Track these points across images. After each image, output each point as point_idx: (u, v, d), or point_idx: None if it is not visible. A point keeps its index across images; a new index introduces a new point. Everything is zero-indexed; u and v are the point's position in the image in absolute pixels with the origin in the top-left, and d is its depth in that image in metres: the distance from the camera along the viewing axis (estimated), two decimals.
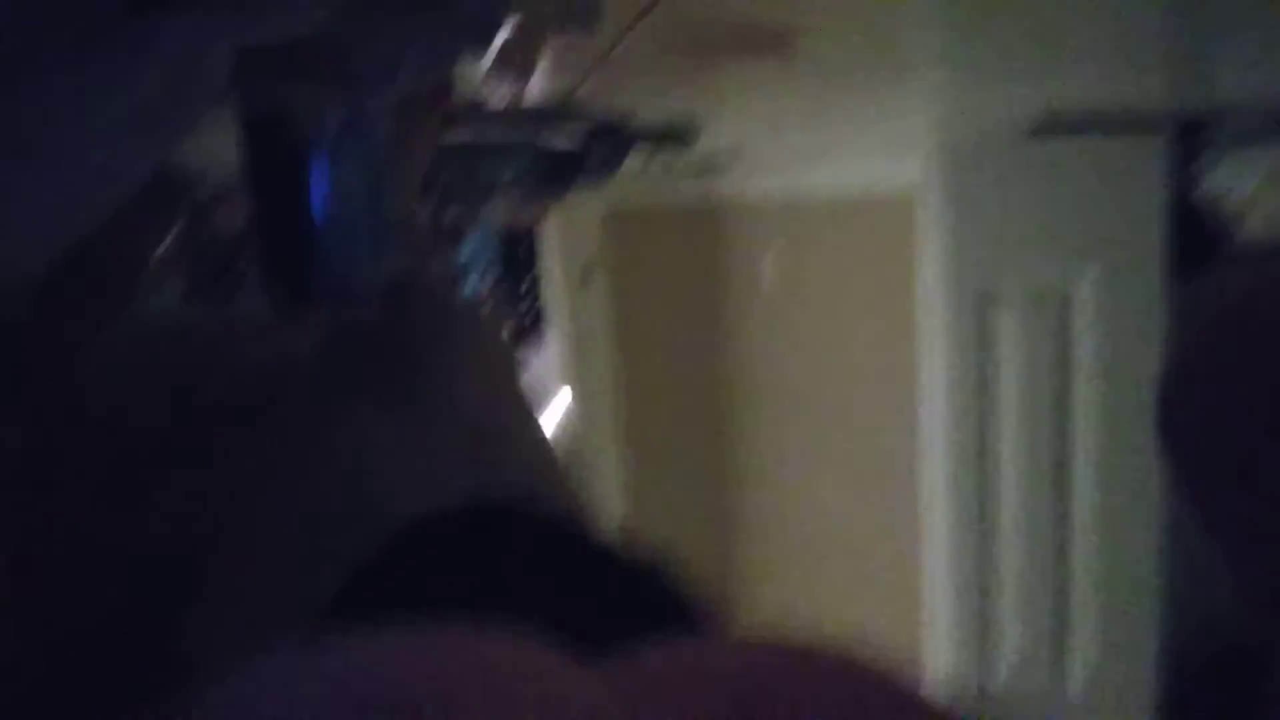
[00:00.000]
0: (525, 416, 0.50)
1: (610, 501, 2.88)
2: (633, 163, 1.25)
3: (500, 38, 0.45)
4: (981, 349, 1.58)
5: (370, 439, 0.43)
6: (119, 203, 0.27)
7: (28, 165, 0.23)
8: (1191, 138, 1.44)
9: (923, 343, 1.69)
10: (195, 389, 0.50)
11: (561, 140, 0.98)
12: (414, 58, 0.39)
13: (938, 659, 1.72)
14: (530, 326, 2.77)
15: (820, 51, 0.51)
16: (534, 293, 3.49)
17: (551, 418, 2.53)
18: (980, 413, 1.60)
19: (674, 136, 1.15)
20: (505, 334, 0.66)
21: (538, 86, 0.70)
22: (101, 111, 0.23)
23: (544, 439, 0.50)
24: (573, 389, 2.97)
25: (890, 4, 0.59)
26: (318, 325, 0.56)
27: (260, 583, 0.39)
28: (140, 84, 0.23)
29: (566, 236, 3.06)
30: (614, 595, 0.36)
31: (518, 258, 3.42)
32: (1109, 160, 1.46)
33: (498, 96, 0.75)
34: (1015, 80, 0.95)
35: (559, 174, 1.12)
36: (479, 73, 0.59)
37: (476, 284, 3.41)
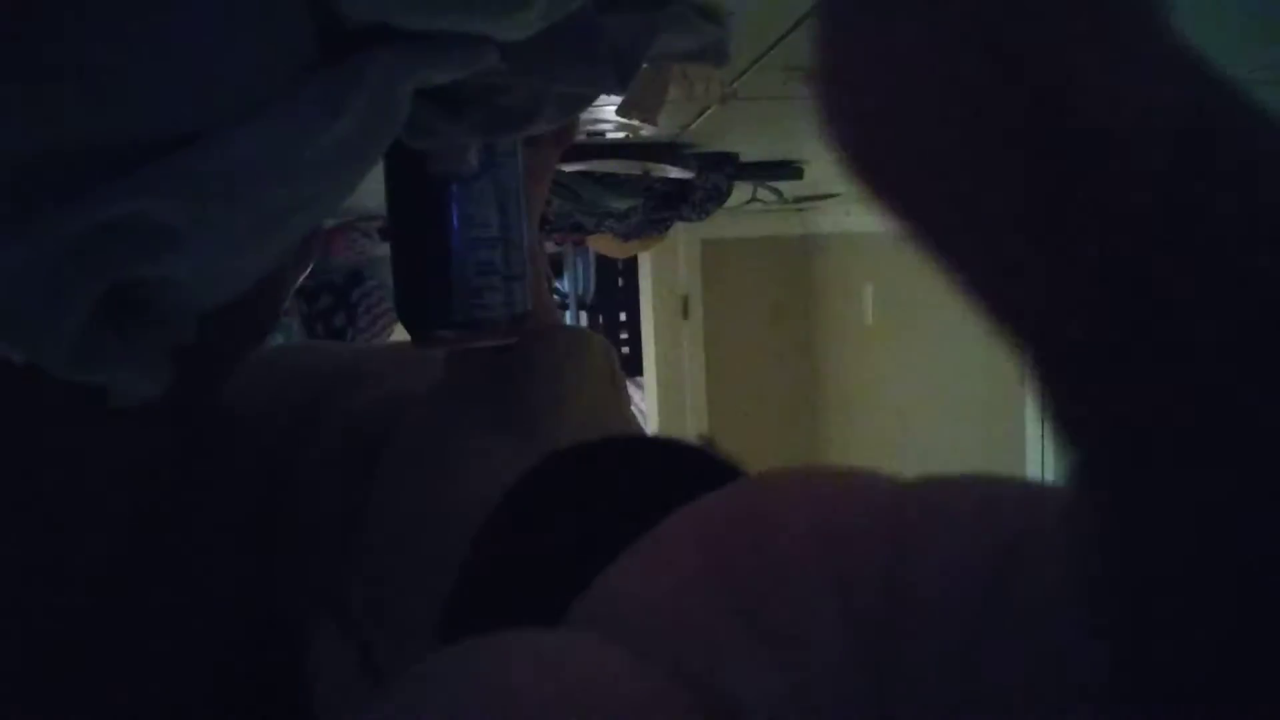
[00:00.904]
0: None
1: None
2: (739, 195, 1.26)
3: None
4: None
5: (489, 462, 0.44)
6: (313, 233, 0.29)
7: (247, 196, 0.25)
8: None
9: (1029, 413, 1.65)
10: (320, 415, 0.52)
11: (672, 173, 1.01)
12: (556, 99, 0.41)
13: None
14: (625, 361, 2.79)
15: None
16: (630, 325, 3.52)
17: None
18: None
19: (780, 172, 1.16)
20: (616, 363, 0.67)
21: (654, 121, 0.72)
22: (312, 145, 0.25)
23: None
24: (662, 428, 2.98)
25: None
26: (440, 355, 0.58)
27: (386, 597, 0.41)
28: (346, 117, 0.25)
29: (664, 269, 3.09)
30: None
31: (615, 290, 3.47)
32: None
33: (614, 130, 0.78)
34: None
35: (668, 206, 1.15)
36: (609, 110, 0.61)
37: (573, 316, 3.46)
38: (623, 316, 3.54)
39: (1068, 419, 0.18)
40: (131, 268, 0.25)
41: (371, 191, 0.54)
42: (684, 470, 0.46)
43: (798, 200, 2.39)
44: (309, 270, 0.65)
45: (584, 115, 0.69)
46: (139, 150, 0.23)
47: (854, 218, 2.69)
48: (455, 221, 0.48)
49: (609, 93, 0.42)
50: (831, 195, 2.23)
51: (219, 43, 0.23)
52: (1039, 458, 1.62)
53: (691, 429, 3.08)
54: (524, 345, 0.51)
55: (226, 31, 0.23)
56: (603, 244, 1.54)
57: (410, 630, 0.39)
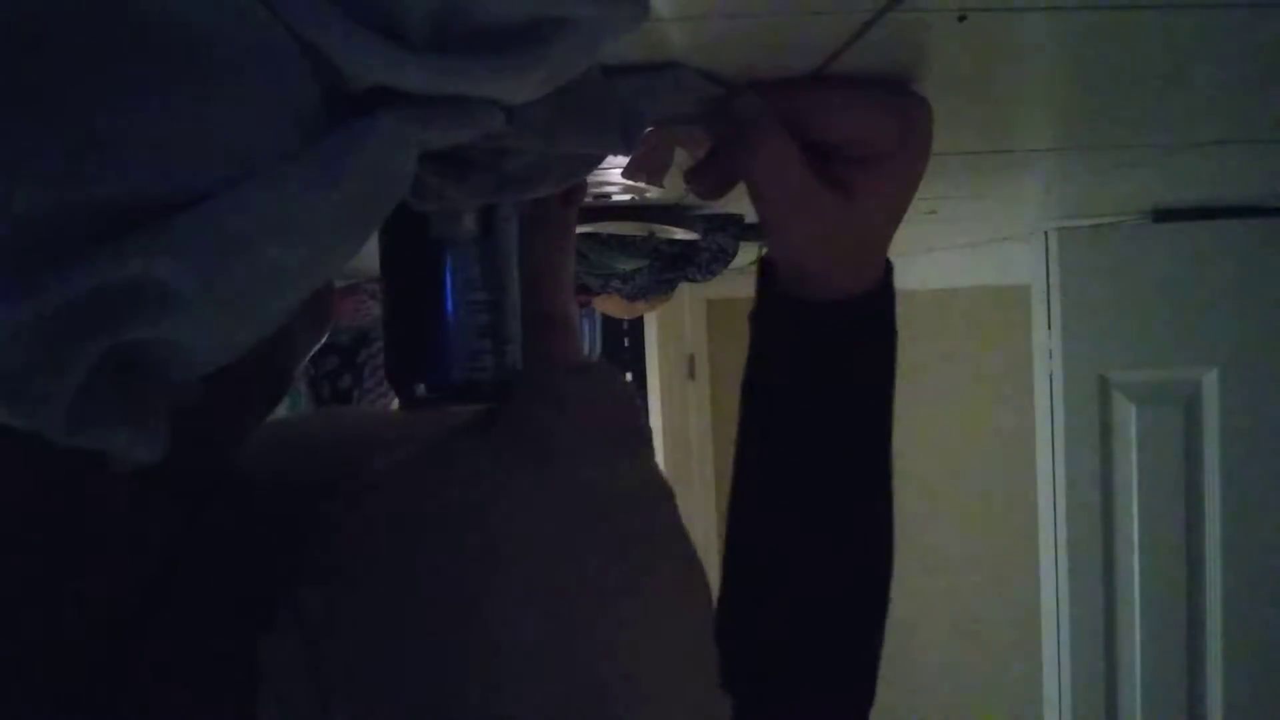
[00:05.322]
0: (650, 479, 0.51)
1: None
2: (744, 256, 1.27)
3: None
4: (1103, 442, 1.53)
5: (510, 495, 0.44)
6: (327, 302, 0.29)
7: (246, 257, 0.25)
8: None
9: (1040, 436, 1.64)
10: (341, 485, 0.52)
11: (678, 235, 1.01)
12: (559, 163, 0.41)
13: None
14: None
15: (936, 147, 0.52)
16: (636, 386, 3.52)
17: None
18: (1103, 507, 1.54)
19: None
20: (637, 402, 0.66)
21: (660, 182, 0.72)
22: (313, 208, 0.25)
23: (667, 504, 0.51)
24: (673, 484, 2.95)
25: (1007, 96, 0.60)
26: (444, 415, 0.58)
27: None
28: (348, 181, 0.25)
29: (670, 329, 3.10)
30: None
31: (621, 351, 3.47)
32: (1236, 244, 1.42)
33: (620, 192, 0.78)
34: (1136, 165, 0.94)
35: (674, 267, 1.15)
36: (615, 172, 0.61)
37: None
38: (629, 377, 3.55)
39: None
40: (132, 329, 0.25)
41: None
42: None
43: None
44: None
45: (590, 177, 0.69)
46: (140, 212, 0.23)
47: None
48: (452, 285, 0.48)
49: (615, 154, 0.42)
50: None
51: (222, 105, 0.23)
52: (1051, 513, 1.60)
53: (699, 489, 3.06)
54: (542, 381, 0.52)
55: (230, 94, 0.23)
56: (609, 305, 1.54)
57: (372, 667, 0.38)
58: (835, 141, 0.49)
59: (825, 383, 0.56)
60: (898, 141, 0.49)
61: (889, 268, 0.57)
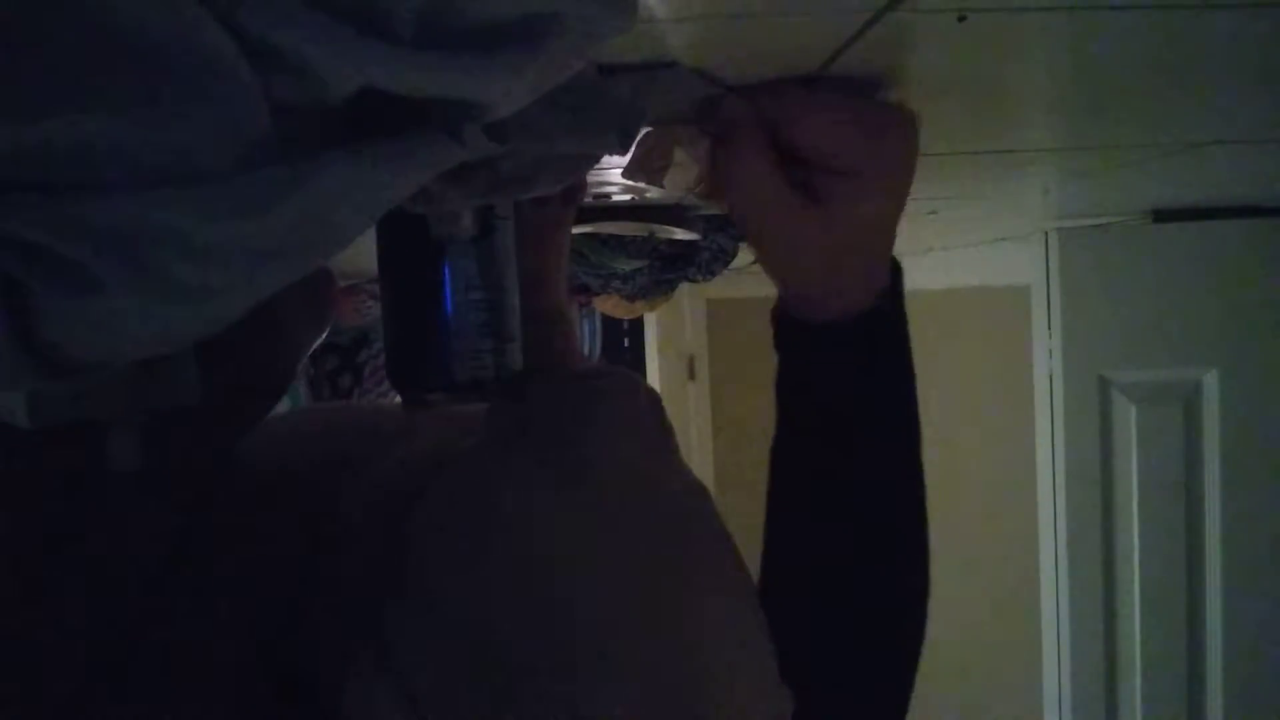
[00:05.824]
0: (667, 475, 0.51)
1: None
2: (744, 256, 1.27)
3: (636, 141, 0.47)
4: (1103, 442, 1.53)
5: (538, 513, 0.43)
6: (329, 298, 0.29)
7: (147, 263, 0.24)
8: None
9: (1040, 436, 1.64)
10: (358, 469, 0.52)
11: (678, 235, 1.01)
12: (556, 163, 0.41)
13: None
14: None
15: (936, 147, 0.52)
16: None
17: None
18: (1103, 507, 1.54)
19: None
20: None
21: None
22: (232, 236, 0.24)
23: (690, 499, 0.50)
24: None
25: (1007, 96, 0.60)
26: (458, 413, 0.58)
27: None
28: (268, 220, 0.24)
29: (670, 330, 3.10)
30: None
31: (621, 351, 3.47)
32: (1236, 244, 1.42)
33: (620, 192, 0.78)
34: (1136, 165, 0.94)
35: (674, 267, 1.15)
36: (615, 172, 0.61)
37: None
38: None
39: None
40: (42, 289, 0.24)
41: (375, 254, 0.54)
42: None
43: None
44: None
45: (590, 177, 0.69)
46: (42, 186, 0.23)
47: None
48: (451, 284, 0.48)
49: (612, 154, 0.42)
50: None
51: (157, 119, 0.22)
52: (1051, 513, 1.60)
53: None
54: (571, 390, 0.51)
55: (165, 108, 0.22)
56: (609, 305, 1.54)
57: (465, 683, 0.38)
58: (806, 154, 0.47)
59: (837, 401, 0.55)
60: (869, 156, 0.47)
61: (897, 272, 0.54)
